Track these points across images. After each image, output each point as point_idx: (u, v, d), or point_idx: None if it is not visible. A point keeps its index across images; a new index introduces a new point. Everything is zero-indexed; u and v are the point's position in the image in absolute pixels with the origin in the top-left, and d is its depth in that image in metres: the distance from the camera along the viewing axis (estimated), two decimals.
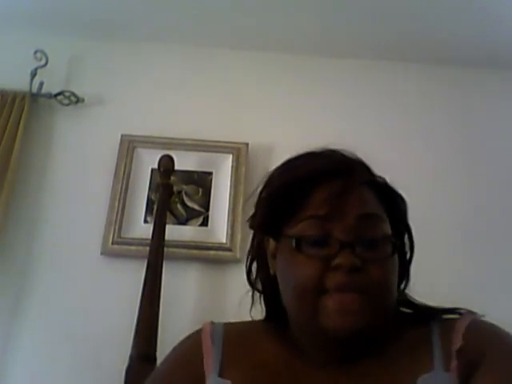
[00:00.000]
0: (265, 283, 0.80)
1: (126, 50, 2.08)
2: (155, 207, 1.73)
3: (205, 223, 1.79)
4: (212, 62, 2.08)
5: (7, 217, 1.74)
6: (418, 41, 2.02)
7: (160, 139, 1.89)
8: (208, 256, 1.74)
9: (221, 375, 0.72)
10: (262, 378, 0.72)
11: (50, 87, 1.94)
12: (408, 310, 0.79)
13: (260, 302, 0.82)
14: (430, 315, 0.76)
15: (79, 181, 1.85)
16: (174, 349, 0.81)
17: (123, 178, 1.82)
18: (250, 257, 0.81)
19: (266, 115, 1.99)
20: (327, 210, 0.69)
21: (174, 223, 1.77)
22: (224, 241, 1.75)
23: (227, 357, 0.75)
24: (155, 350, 1.42)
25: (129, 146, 1.88)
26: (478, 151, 2.00)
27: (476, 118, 2.05)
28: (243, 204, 1.78)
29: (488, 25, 1.92)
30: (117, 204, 1.78)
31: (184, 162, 1.83)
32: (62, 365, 1.60)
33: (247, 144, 1.90)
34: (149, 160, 1.85)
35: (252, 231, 0.82)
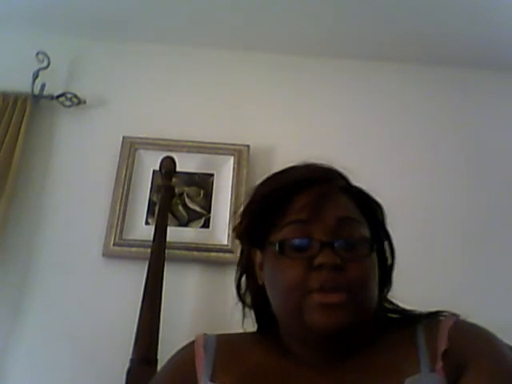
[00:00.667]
0: (254, 294, 0.84)
1: (127, 52, 2.08)
2: (156, 209, 1.73)
3: (206, 225, 1.79)
4: (213, 64, 2.09)
5: (9, 218, 1.74)
6: (418, 42, 2.02)
7: (161, 141, 1.89)
8: (209, 258, 1.74)
9: (212, 380, 0.75)
10: (253, 381, 0.74)
11: (52, 89, 1.94)
12: (394, 315, 0.82)
13: (251, 315, 0.85)
14: (414, 318, 0.79)
15: (81, 182, 1.85)
16: (169, 360, 0.85)
17: (125, 180, 1.82)
18: (239, 270, 0.85)
19: (268, 117, 1.99)
20: (307, 215, 0.74)
21: (176, 225, 1.77)
22: (225, 242, 1.75)
23: (219, 364, 0.78)
24: (156, 352, 1.42)
25: (130, 148, 1.88)
26: (478, 152, 1.99)
27: (476, 119, 2.05)
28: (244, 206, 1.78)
29: (488, 25, 1.92)
30: (118, 206, 1.78)
31: (185, 163, 1.84)
32: (62, 367, 1.60)
33: (248, 146, 1.90)
34: (150, 162, 1.85)
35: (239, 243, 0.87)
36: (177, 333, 1.58)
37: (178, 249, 1.72)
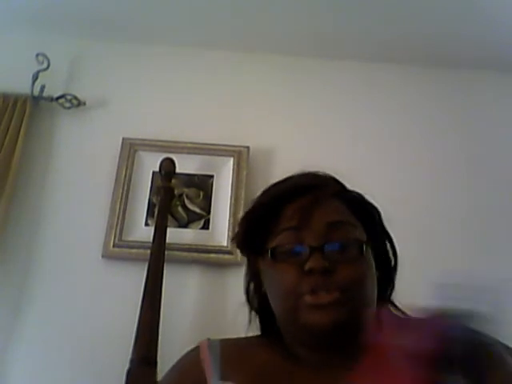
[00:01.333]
0: (259, 300, 0.86)
1: (127, 54, 2.09)
2: (156, 210, 1.73)
3: (206, 226, 1.79)
4: (213, 65, 2.09)
5: (8, 219, 1.74)
6: (418, 43, 2.03)
7: (161, 142, 1.89)
8: (209, 259, 1.74)
9: (223, 379, 0.76)
10: (263, 378, 0.76)
11: (52, 90, 1.94)
12: None
13: (254, 320, 0.87)
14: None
15: (80, 184, 1.86)
16: (174, 365, 0.86)
17: (124, 181, 1.82)
18: (247, 277, 0.88)
19: (267, 118, 1.99)
20: (298, 221, 0.76)
21: (175, 226, 1.77)
22: (225, 244, 1.75)
23: (226, 365, 0.78)
24: (156, 353, 1.42)
25: (130, 149, 1.88)
26: (478, 152, 2.00)
27: (476, 119, 2.05)
28: (244, 207, 1.78)
29: (488, 26, 1.93)
30: (118, 207, 1.78)
31: (185, 165, 1.84)
32: (62, 368, 1.60)
33: (248, 147, 1.90)
34: (150, 163, 1.85)
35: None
36: (177, 334, 1.58)
37: (178, 250, 1.72)
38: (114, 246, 1.73)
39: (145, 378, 1.38)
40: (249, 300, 0.87)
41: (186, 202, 1.82)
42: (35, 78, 1.92)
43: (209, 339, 0.85)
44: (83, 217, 1.81)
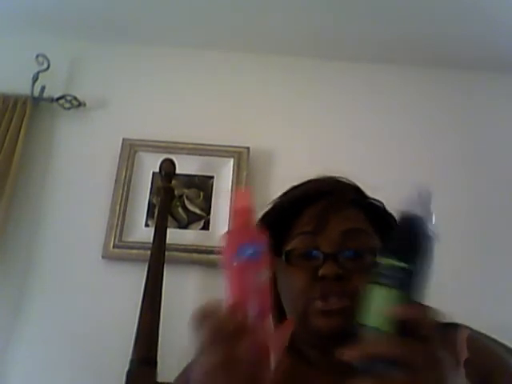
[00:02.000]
0: (274, 301, 0.85)
1: (127, 54, 2.09)
2: (156, 211, 1.73)
3: (206, 227, 1.79)
4: (213, 66, 2.09)
5: (9, 220, 1.74)
6: (418, 43, 2.03)
7: (161, 143, 1.89)
8: (209, 260, 1.74)
9: None
10: (273, 380, 0.75)
11: (52, 91, 1.95)
12: None
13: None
14: None
15: (80, 184, 1.86)
16: (188, 365, 0.85)
17: (124, 182, 1.82)
18: None
19: (267, 119, 1.99)
20: (314, 227, 0.77)
21: (175, 227, 1.77)
22: None
23: None
24: (156, 354, 1.42)
25: (130, 150, 1.88)
26: (478, 152, 2.00)
27: (476, 120, 2.05)
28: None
29: (488, 26, 1.93)
30: (118, 208, 1.78)
31: (185, 165, 1.84)
32: (62, 368, 1.60)
33: (248, 148, 1.90)
34: (150, 164, 1.86)
35: None
36: (176, 334, 1.57)
37: (178, 251, 1.72)
38: (114, 247, 1.73)
39: (145, 378, 1.38)
40: None
41: (186, 202, 1.83)
42: (35, 78, 1.92)
43: None
44: (83, 217, 1.81)
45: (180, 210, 1.81)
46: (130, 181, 1.83)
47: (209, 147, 1.90)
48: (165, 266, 1.56)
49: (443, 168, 1.95)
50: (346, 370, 0.73)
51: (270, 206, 0.86)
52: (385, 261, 0.55)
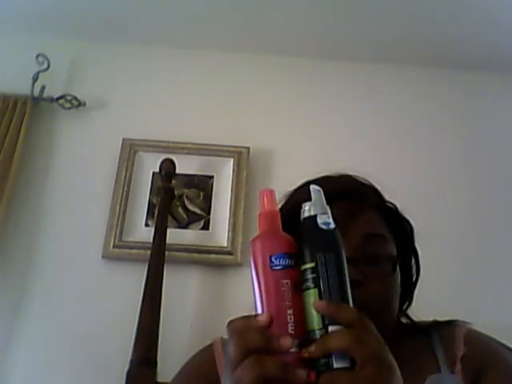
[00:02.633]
0: None
1: (127, 54, 2.09)
2: (156, 211, 1.73)
3: (206, 227, 1.79)
4: (213, 66, 2.09)
5: (9, 220, 1.74)
6: (418, 43, 2.03)
7: (161, 143, 1.89)
8: (209, 260, 1.74)
9: None
10: None
11: (52, 91, 1.95)
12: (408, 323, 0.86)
13: None
14: (428, 327, 0.82)
15: (81, 184, 1.86)
16: (188, 362, 0.85)
17: (124, 182, 1.82)
18: None
19: (268, 119, 1.99)
20: None
21: (175, 227, 1.77)
22: (225, 244, 1.75)
23: None
24: (156, 354, 1.42)
25: (130, 150, 1.88)
26: (478, 152, 2.00)
27: (476, 120, 2.05)
28: (244, 208, 1.78)
29: (488, 26, 1.93)
30: (118, 207, 1.78)
31: (185, 165, 1.84)
32: (62, 368, 1.60)
33: (248, 148, 1.90)
34: (150, 164, 1.86)
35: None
36: (176, 334, 1.58)
37: (178, 251, 1.72)
38: (114, 247, 1.73)
39: (145, 378, 1.38)
40: None
41: (186, 202, 1.83)
42: (35, 78, 1.92)
43: (222, 337, 0.84)
44: (83, 217, 1.81)
45: (180, 209, 1.81)
46: (129, 181, 1.83)
47: (209, 147, 1.90)
48: (165, 265, 1.56)
49: (443, 168, 1.95)
50: None
51: (288, 201, 0.84)
52: (302, 267, 0.57)
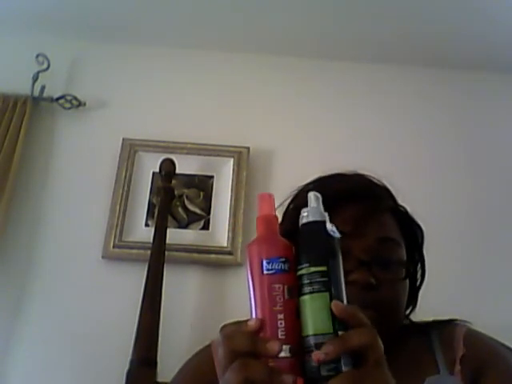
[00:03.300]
0: None
1: (127, 54, 2.09)
2: (156, 211, 1.73)
3: (206, 227, 1.79)
4: (213, 66, 2.09)
5: (8, 220, 1.74)
6: (418, 43, 2.03)
7: (161, 143, 1.89)
8: (209, 260, 1.74)
9: None
10: None
11: (52, 91, 1.95)
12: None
13: None
14: (428, 326, 0.83)
15: (80, 184, 1.86)
16: (187, 362, 0.85)
17: (124, 182, 1.82)
18: None
19: (268, 119, 1.99)
20: (350, 229, 0.74)
21: (175, 227, 1.77)
22: (225, 244, 1.75)
23: None
24: (156, 354, 1.42)
25: (130, 150, 1.88)
26: (478, 152, 2.00)
27: (476, 120, 2.05)
28: (244, 208, 1.78)
29: (488, 26, 1.93)
30: (118, 207, 1.78)
31: (185, 165, 1.84)
32: (62, 368, 1.60)
33: (248, 148, 1.90)
34: (150, 164, 1.86)
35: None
36: (176, 334, 1.58)
37: (178, 251, 1.72)
38: (114, 247, 1.73)
39: (145, 378, 1.38)
40: None
41: (186, 202, 1.82)
42: (35, 78, 1.92)
43: None
44: (83, 217, 1.81)
45: (180, 209, 1.81)
46: (129, 181, 1.83)
47: (209, 147, 1.90)
48: (165, 265, 1.56)
49: (443, 168, 1.95)
50: None
51: (298, 197, 0.83)
52: (306, 270, 0.56)
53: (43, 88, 1.93)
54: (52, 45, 1.98)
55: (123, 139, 1.89)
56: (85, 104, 1.95)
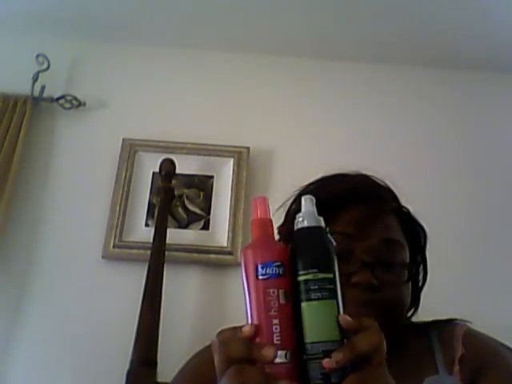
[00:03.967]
0: None
1: (127, 54, 2.09)
2: (156, 211, 1.73)
3: (206, 227, 1.79)
4: (213, 66, 2.09)
5: (9, 220, 1.74)
6: (418, 43, 2.03)
7: (161, 143, 1.89)
8: (209, 260, 1.74)
9: None
10: None
11: (52, 91, 1.95)
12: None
13: None
14: (427, 325, 0.82)
15: (81, 184, 1.86)
16: (187, 363, 0.85)
17: (124, 182, 1.82)
18: None
19: (268, 119, 1.99)
20: (353, 230, 0.74)
21: (175, 227, 1.77)
22: (225, 244, 1.75)
23: None
24: (156, 354, 1.42)
25: (130, 150, 1.88)
26: (478, 152, 2.00)
27: (476, 120, 2.05)
28: (244, 208, 1.78)
29: (488, 26, 1.93)
30: (118, 207, 1.78)
31: (185, 165, 1.84)
32: (62, 368, 1.60)
33: (248, 148, 1.90)
34: (150, 164, 1.86)
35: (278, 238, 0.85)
36: (176, 334, 1.58)
37: (178, 251, 1.72)
38: (114, 247, 1.73)
39: (145, 378, 1.38)
40: None
41: (186, 202, 1.82)
42: (35, 78, 1.92)
43: None
44: (83, 217, 1.81)
45: (180, 209, 1.81)
46: (129, 181, 1.83)
47: (209, 147, 1.90)
48: (165, 265, 1.56)
49: (443, 168, 1.95)
50: None
51: (301, 195, 0.80)
52: (314, 276, 0.55)
53: (43, 88, 1.93)
54: (52, 45, 1.99)
55: (123, 139, 1.89)
56: (85, 104, 1.95)
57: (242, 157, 1.88)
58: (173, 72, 2.07)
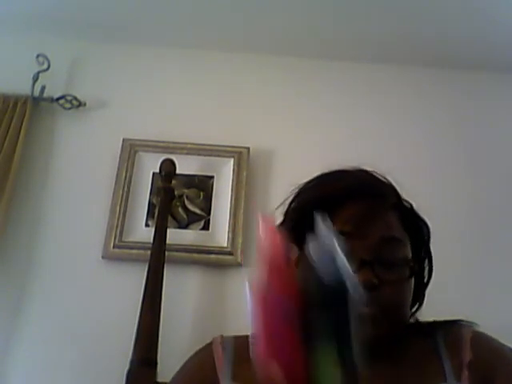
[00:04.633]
0: None
1: (127, 54, 2.09)
2: (156, 211, 1.73)
3: (206, 227, 1.79)
4: (213, 66, 2.09)
5: (9, 220, 1.74)
6: (418, 43, 2.03)
7: (161, 143, 1.89)
8: (209, 260, 1.74)
9: (234, 380, 0.75)
10: None
11: (52, 91, 1.95)
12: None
13: None
14: (432, 327, 0.81)
15: (81, 184, 1.86)
16: (187, 362, 0.84)
17: (124, 182, 1.82)
18: None
19: (268, 119, 1.99)
20: (352, 228, 0.72)
21: (175, 227, 1.77)
22: (225, 245, 1.75)
23: (238, 364, 0.77)
24: (156, 354, 1.42)
25: (130, 150, 1.88)
26: (478, 152, 2.00)
27: (476, 120, 2.05)
28: (244, 208, 1.78)
29: (488, 26, 1.93)
30: (118, 208, 1.78)
31: (185, 165, 1.84)
32: (62, 369, 1.60)
33: (248, 148, 1.90)
34: (150, 164, 1.85)
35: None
36: (177, 335, 1.58)
37: (178, 251, 1.72)
38: (114, 247, 1.73)
39: (145, 378, 1.38)
40: None
41: (186, 202, 1.82)
42: (35, 78, 1.92)
43: (222, 336, 0.83)
44: (83, 217, 1.81)
45: (180, 210, 1.81)
46: (130, 181, 1.83)
47: (209, 147, 1.90)
48: (165, 266, 1.56)
49: (443, 168, 1.95)
50: (366, 378, 0.72)
51: (300, 194, 0.81)
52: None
53: (43, 88, 1.93)
54: (52, 45, 1.99)
55: (123, 139, 1.89)
56: (85, 104, 1.95)
57: (242, 157, 1.88)
58: (173, 72, 2.07)
